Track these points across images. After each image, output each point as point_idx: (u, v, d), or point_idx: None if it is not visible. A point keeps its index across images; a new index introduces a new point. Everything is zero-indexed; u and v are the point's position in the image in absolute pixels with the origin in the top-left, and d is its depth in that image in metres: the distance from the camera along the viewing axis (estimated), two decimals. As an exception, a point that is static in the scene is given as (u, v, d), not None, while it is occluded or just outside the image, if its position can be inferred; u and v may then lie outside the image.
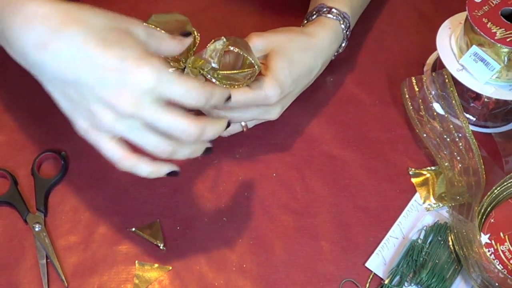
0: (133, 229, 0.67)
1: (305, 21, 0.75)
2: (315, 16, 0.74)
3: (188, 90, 0.53)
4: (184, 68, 0.63)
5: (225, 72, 0.63)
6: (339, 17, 0.73)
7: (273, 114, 0.69)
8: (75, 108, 0.54)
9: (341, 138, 0.75)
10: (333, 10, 0.73)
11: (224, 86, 0.63)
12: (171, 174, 0.58)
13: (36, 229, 0.66)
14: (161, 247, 0.66)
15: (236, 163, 0.72)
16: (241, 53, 0.62)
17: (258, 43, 0.67)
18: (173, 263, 0.66)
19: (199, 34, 0.62)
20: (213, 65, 0.62)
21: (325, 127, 0.76)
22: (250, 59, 0.62)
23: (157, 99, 0.52)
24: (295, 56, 0.68)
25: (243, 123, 0.71)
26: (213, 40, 0.62)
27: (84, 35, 0.52)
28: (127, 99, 0.51)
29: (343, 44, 0.75)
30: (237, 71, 0.63)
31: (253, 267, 0.66)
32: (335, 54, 0.76)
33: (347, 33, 0.74)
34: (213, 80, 0.62)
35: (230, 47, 0.61)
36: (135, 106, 0.52)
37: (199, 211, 0.69)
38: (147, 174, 0.56)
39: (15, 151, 0.72)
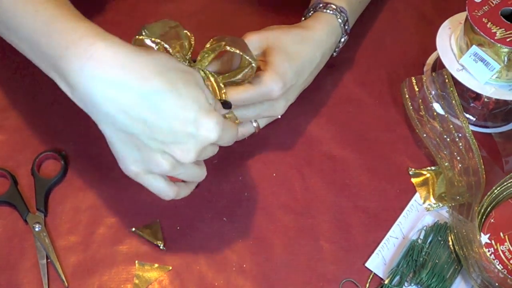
0: (133, 229, 0.67)
1: (303, 18, 0.75)
2: (311, 12, 0.74)
3: (232, 136, 0.59)
4: None
5: (226, 74, 0.63)
6: (336, 11, 0.73)
7: (278, 109, 0.69)
8: (132, 153, 0.56)
9: (341, 138, 0.75)
10: (329, 5, 0.73)
11: (226, 86, 0.63)
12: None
13: (36, 229, 0.66)
14: (161, 247, 0.66)
15: (236, 163, 0.72)
16: (238, 52, 0.62)
17: (254, 40, 0.68)
18: (173, 263, 0.66)
19: (193, 36, 0.62)
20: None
21: (325, 127, 0.76)
22: (247, 57, 0.62)
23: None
24: (292, 48, 0.68)
25: (254, 124, 0.70)
26: (211, 41, 0.62)
27: (162, 93, 0.52)
28: (192, 152, 0.54)
29: (343, 39, 0.75)
30: (237, 72, 0.63)
31: (253, 267, 0.66)
32: (336, 49, 0.76)
33: (346, 27, 0.75)
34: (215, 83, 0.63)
35: (227, 47, 0.61)
36: (196, 157, 0.55)
37: (199, 211, 0.69)
38: (183, 196, 0.63)
39: (15, 151, 0.72)
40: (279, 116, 0.71)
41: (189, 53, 0.62)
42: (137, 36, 0.59)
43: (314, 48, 0.71)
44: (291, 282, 0.65)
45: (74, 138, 0.73)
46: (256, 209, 0.69)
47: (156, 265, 0.65)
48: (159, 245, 0.66)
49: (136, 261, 0.65)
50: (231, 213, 0.69)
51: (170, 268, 0.65)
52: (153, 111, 0.52)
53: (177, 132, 0.53)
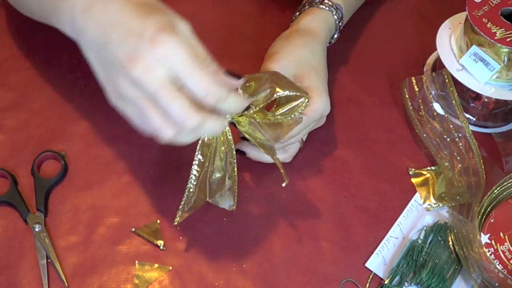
0: (133, 229, 0.67)
1: (297, 13, 0.75)
2: (307, 7, 0.74)
3: (204, 85, 0.52)
4: (233, 123, 0.61)
5: (275, 113, 0.61)
6: (332, 8, 0.73)
7: (324, 120, 0.70)
8: (106, 74, 0.55)
9: (341, 138, 0.75)
10: (325, 1, 0.73)
11: (279, 121, 0.62)
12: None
13: (36, 229, 0.66)
14: (161, 247, 0.66)
15: (236, 163, 0.72)
16: (290, 93, 0.60)
17: (283, 71, 0.65)
18: (173, 263, 0.66)
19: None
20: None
21: (326, 127, 0.76)
22: (299, 94, 0.61)
23: (171, 78, 0.52)
24: (314, 61, 0.69)
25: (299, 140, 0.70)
26: (246, 83, 0.60)
27: (120, 5, 0.53)
28: (140, 65, 0.51)
29: (336, 36, 0.76)
30: (284, 108, 0.62)
31: (253, 267, 0.66)
32: (327, 45, 0.76)
33: (340, 24, 0.75)
34: (263, 123, 0.62)
35: (277, 93, 0.60)
36: (146, 74, 0.51)
37: (199, 211, 0.69)
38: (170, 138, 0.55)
39: (15, 151, 0.72)
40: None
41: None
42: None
43: (323, 52, 0.72)
44: (291, 282, 0.65)
45: (74, 138, 0.73)
46: (256, 209, 0.69)
47: (156, 265, 0.65)
48: (159, 245, 0.66)
49: (136, 261, 0.65)
50: (231, 213, 0.69)
51: (170, 268, 0.65)
52: (112, 21, 0.54)
53: (126, 41, 0.52)
